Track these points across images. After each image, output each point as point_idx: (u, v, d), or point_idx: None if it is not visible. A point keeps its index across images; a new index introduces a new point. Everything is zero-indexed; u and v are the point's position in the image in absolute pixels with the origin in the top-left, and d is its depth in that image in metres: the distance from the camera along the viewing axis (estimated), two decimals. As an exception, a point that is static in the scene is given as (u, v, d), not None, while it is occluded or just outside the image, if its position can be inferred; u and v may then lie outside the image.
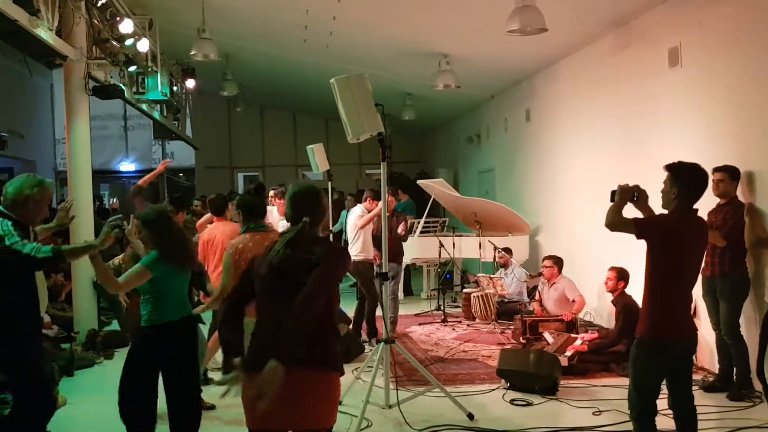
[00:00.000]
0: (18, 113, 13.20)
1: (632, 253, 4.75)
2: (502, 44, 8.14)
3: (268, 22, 9.67)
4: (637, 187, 3.73)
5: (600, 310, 7.98)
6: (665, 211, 3.65)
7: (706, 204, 5.11)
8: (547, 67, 9.65)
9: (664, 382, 3.66)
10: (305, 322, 2.72)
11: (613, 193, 3.72)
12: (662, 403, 3.68)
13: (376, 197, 7.83)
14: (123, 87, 8.94)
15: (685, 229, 3.56)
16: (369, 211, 7.65)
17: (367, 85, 4.67)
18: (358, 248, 7.52)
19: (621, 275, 6.50)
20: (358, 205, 8.05)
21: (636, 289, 4.85)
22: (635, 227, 3.57)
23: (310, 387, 2.77)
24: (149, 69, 9.63)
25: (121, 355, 6.91)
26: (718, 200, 5.43)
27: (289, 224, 2.95)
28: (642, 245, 3.62)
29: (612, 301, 6.65)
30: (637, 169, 6.75)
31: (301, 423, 2.79)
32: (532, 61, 9.52)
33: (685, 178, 3.56)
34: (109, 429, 4.43)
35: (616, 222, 3.65)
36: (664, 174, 3.63)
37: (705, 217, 5.36)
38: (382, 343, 5.01)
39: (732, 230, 5.27)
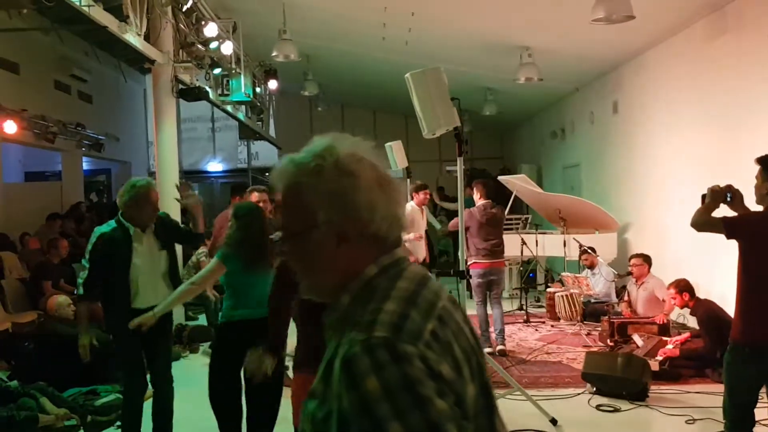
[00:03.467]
0: (114, 117, 13.84)
1: (727, 250, 4.43)
2: (586, 34, 7.84)
3: (347, 22, 9.72)
4: (729, 187, 3.48)
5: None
6: (760, 208, 3.38)
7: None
8: (635, 57, 9.21)
9: (762, 390, 3.38)
10: None
11: (704, 197, 3.49)
12: (760, 412, 3.40)
13: (419, 188, 7.71)
14: (208, 89, 9.21)
15: None
16: (419, 207, 7.49)
17: (443, 78, 4.56)
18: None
19: (680, 288, 6.16)
20: (408, 203, 7.55)
21: (725, 287, 4.53)
22: (724, 226, 3.33)
23: None
24: (233, 71, 9.87)
25: (206, 349, 7.10)
26: None
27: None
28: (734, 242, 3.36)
29: (690, 314, 6.29)
30: (737, 164, 6.33)
31: None
32: (619, 51, 9.12)
33: None
34: (197, 420, 4.53)
35: (702, 222, 3.43)
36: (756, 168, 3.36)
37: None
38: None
39: None
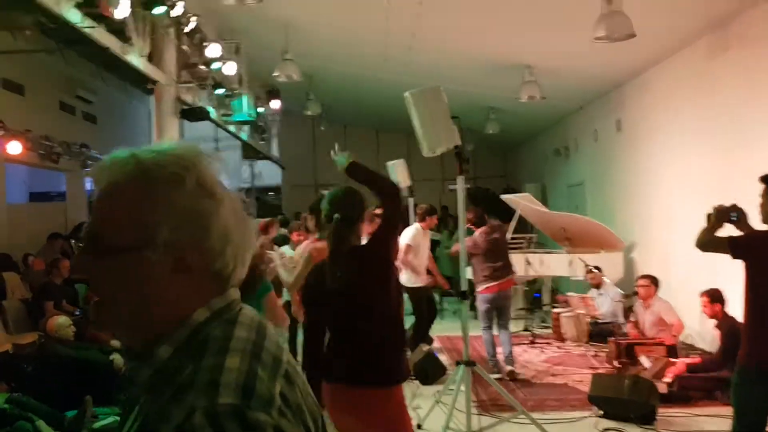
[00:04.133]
0: (119, 138, 13.85)
1: (733, 270, 4.36)
2: (588, 53, 7.82)
3: (349, 42, 9.75)
4: (734, 206, 3.41)
5: (703, 333, 7.43)
6: (766, 227, 3.31)
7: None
8: (638, 76, 9.20)
9: None
10: None
11: (709, 216, 3.42)
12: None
13: (432, 212, 7.71)
14: (211, 109, 9.22)
15: None
16: (424, 230, 7.45)
17: (443, 97, 4.54)
18: (406, 277, 7.18)
19: (714, 297, 6.05)
20: (413, 225, 7.67)
21: (732, 308, 4.44)
22: (729, 247, 3.27)
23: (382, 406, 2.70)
24: (236, 91, 9.89)
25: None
26: None
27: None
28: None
29: (716, 326, 6.18)
30: (741, 182, 6.25)
31: None
32: (622, 69, 9.11)
33: None
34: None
35: (707, 242, 3.37)
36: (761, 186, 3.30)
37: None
38: (462, 366, 4.81)
39: None
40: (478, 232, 7.06)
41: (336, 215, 2.91)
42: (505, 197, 10.64)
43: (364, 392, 2.85)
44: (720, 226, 3.40)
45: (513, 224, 10.40)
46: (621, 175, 10.14)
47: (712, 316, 6.17)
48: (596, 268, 8.78)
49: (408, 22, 7.92)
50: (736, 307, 5.86)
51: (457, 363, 4.99)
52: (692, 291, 7.43)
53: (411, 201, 9.56)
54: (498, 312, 6.97)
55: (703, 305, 6.19)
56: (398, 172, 8.87)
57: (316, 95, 12.96)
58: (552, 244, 10.68)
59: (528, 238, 11.17)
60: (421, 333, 7.60)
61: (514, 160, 18.07)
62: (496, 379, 6.04)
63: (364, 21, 8.47)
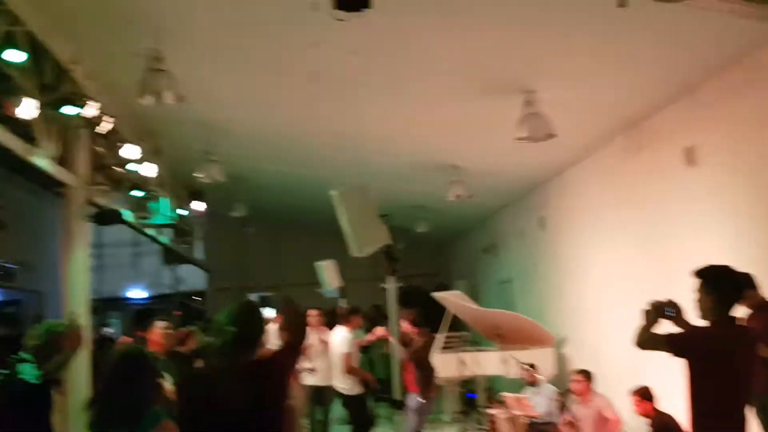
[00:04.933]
0: (28, 243, 13.11)
1: (667, 365, 4.24)
2: (511, 151, 7.96)
3: (274, 142, 9.67)
4: (670, 302, 3.32)
5: (639, 429, 7.24)
6: (705, 322, 3.22)
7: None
8: (559, 174, 9.44)
9: None
10: None
11: (647, 312, 3.31)
12: None
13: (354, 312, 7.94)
14: (128, 212, 8.81)
15: (729, 341, 3.13)
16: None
17: (370, 195, 4.41)
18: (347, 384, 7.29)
19: (643, 395, 5.99)
20: (340, 329, 7.79)
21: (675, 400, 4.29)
22: (669, 345, 3.15)
23: None
24: (154, 193, 9.54)
25: None
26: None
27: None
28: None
29: (650, 425, 6.04)
30: (663, 273, 6.33)
31: None
32: (543, 168, 9.35)
33: (719, 283, 3.18)
34: None
35: (646, 340, 3.24)
36: (690, 279, 3.24)
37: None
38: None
39: None
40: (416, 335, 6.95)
41: (232, 328, 2.63)
42: (436, 295, 10.47)
43: None
44: (655, 322, 3.28)
45: (445, 322, 10.20)
46: (547, 271, 10.20)
47: (644, 415, 6.05)
48: (530, 365, 8.60)
49: (332, 121, 7.92)
50: (669, 401, 5.75)
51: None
52: (624, 385, 7.33)
53: (343, 302, 9.31)
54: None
55: (634, 404, 6.08)
56: (327, 272, 8.67)
57: (243, 196, 12.70)
58: (485, 343, 10.49)
59: (460, 337, 10.94)
60: None
61: (446, 257, 18.11)
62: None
63: (288, 119, 8.42)
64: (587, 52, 5.59)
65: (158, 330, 4.93)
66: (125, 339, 6.18)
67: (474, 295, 13.53)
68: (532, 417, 8.15)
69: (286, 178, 12.08)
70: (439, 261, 18.63)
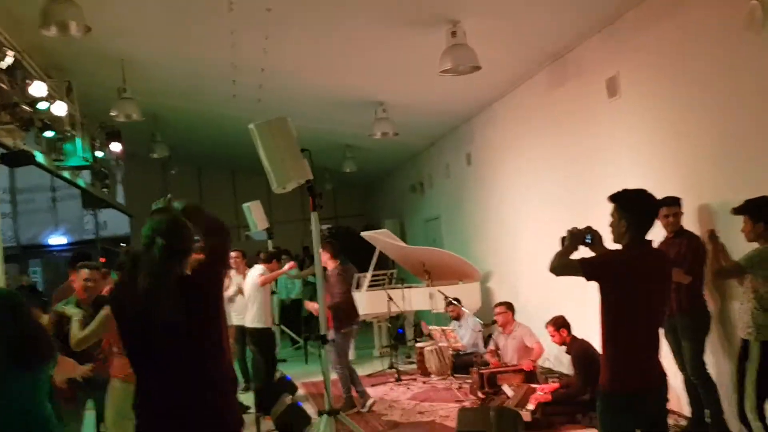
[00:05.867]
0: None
1: (587, 292, 4.41)
2: (436, 87, 7.95)
3: (194, 79, 9.27)
4: (589, 228, 3.34)
5: (560, 356, 7.58)
6: (619, 247, 3.30)
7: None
8: (485, 109, 9.50)
9: None
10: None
11: (563, 239, 3.34)
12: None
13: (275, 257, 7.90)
14: (39, 154, 8.34)
15: (642, 263, 3.19)
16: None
17: (290, 129, 4.29)
18: (253, 314, 7.34)
19: (558, 324, 6.24)
20: (257, 266, 7.82)
21: (591, 329, 4.49)
22: (582, 268, 3.18)
23: None
24: (68, 134, 9.05)
25: None
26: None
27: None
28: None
29: (567, 351, 6.33)
30: (585, 204, 6.51)
31: None
32: (469, 103, 9.37)
33: (633, 207, 3.21)
34: None
35: (560, 265, 3.27)
36: (610, 206, 3.30)
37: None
38: (325, 416, 4.48)
39: (693, 264, 4.89)
40: (329, 272, 6.99)
41: (159, 240, 2.52)
42: (364, 234, 10.53)
43: None
44: (574, 249, 3.31)
45: (374, 261, 10.29)
46: (473, 207, 10.37)
47: (560, 343, 6.31)
48: (455, 300, 8.82)
49: (256, 57, 7.64)
50: (584, 329, 6.02)
51: (320, 413, 4.66)
52: (544, 315, 7.62)
53: (269, 243, 9.24)
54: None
55: (551, 335, 6.32)
56: (254, 213, 8.55)
57: (162, 137, 12.22)
58: (412, 279, 10.66)
59: (389, 274, 11.09)
60: (267, 374, 7.39)
61: (373, 198, 18.17)
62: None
63: (209, 54, 8.07)
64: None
65: (81, 280, 4.75)
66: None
67: (401, 233, 13.72)
68: (457, 349, 8.41)
69: (207, 117, 11.68)
70: (367, 202, 18.69)
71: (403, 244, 10.66)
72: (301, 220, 17.85)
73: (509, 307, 7.64)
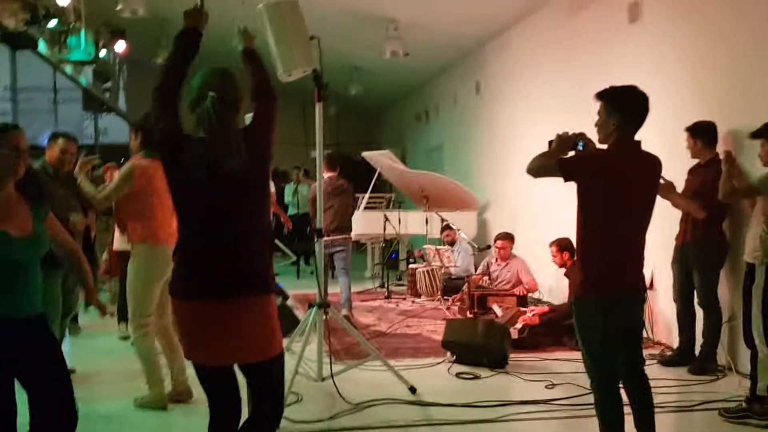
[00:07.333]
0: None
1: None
2: (452, 8, 7.76)
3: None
4: (582, 135, 3.12)
5: (553, 290, 7.59)
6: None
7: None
8: (499, 35, 9.25)
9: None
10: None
11: (550, 143, 3.13)
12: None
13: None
14: (42, 42, 8.18)
15: (629, 165, 2.99)
16: None
17: (300, 13, 4.15)
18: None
19: (561, 246, 6.19)
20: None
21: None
22: (559, 167, 2.99)
23: (258, 315, 2.48)
24: (72, 26, 8.85)
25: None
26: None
27: None
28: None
29: (565, 275, 6.31)
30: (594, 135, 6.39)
31: (252, 354, 2.51)
32: (483, 26, 9.12)
33: (623, 104, 3.03)
34: None
35: (538, 166, 3.08)
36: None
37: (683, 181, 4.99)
38: (315, 307, 4.50)
39: (715, 197, 4.56)
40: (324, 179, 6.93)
41: (211, 93, 2.46)
42: (365, 154, 10.44)
43: (244, 302, 2.46)
44: (561, 154, 3.11)
45: (373, 181, 10.25)
46: (478, 136, 10.24)
47: (561, 265, 6.30)
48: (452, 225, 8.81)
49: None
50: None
51: (310, 305, 4.68)
52: (540, 247, 7.60)
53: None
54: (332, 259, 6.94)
55: (552, 255, 6.31)
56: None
57: (168, 42, 11.94)
58: (410, 206, 10.64)
59: (387, 198, 11.06)
60: None
61: (377, 126, 17.98)
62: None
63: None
64: None
65: (60, 143, 4.69)
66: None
67: (402, 162, 13.59)
68: (449, 272, 8.42)
69: (212, 25, 11.37)
70: (371, 130, 18.50)
71: (403, 167, 10.60)
72: (302, 144, 17.74)
73: (511, 239, 7.60)
